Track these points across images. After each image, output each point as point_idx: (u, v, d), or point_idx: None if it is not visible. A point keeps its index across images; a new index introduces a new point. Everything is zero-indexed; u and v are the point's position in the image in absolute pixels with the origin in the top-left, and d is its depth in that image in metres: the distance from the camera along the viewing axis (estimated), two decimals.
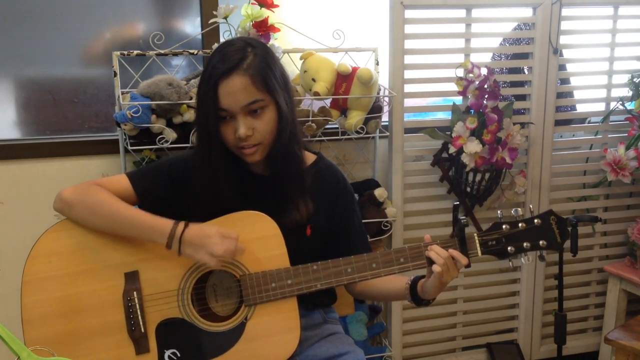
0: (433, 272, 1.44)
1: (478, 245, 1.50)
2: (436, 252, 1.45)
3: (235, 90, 1.43)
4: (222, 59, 1.45)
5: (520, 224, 1.50)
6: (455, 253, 1.46)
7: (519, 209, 1.53)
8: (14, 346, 1.04)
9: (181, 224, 1.44)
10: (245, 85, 1.43)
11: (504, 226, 1.50)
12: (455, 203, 1.52)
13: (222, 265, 1.46)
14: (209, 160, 1.51)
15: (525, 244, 1.50)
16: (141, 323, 1.45)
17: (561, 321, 2.23)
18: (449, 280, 1.46)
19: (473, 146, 2.23)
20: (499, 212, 1.52)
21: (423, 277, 1.53)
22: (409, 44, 2.34)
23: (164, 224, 1.45)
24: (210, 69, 1.46)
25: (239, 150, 1.50)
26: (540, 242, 1.50)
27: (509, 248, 1.50)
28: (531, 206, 1.56)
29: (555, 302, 2.32)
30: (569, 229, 2.06)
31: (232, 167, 1.53)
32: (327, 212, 1.63)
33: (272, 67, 1.48)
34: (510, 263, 1.54)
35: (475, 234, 1.51)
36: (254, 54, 1.46)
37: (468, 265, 1.48)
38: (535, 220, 1.51)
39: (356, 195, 2.24)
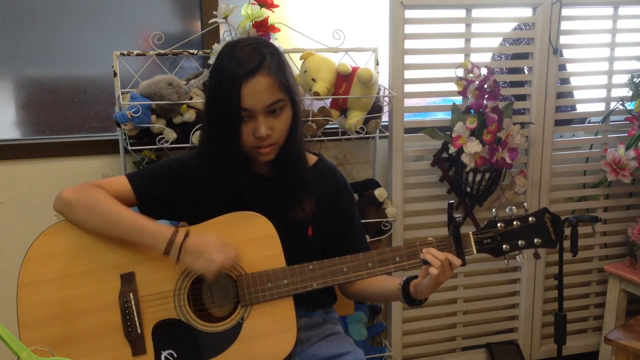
0: (429, 274, 1.44)
1: (473, 243, 1.51)
2: (433, 255, 1.46)
3: (260, 90, 1.42)
4: (242, 60, 1.43)
5: (514, 222, 1.51)
6: (450, 256, 1.46)
7: (514, 207, 1.54)
8: (14, 346, 1.04)
9: (182, 231, 1.44)
10: (269, 85, 1.43)
11: (498, 224, 1.51)
12: (450, 202, 1.52)
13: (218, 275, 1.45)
14: (217, 160, 1.50)
15: (520, 242, 1.50)
16: (137, 324, 1.45)
17: (561, 321, 2.23)
18: (444, 281, 1.47)
19: (473, 146, 2.23)
20: (493, 210, 1.53)
21: (415, 277, 1.53)
22: (409, 44, 2.34)
23: (164, 230, 1.44)
24: (230, 70, 1.43)
25: (255, 150, 1.49)
26: (535, 240, 1.51)
27: (504, 246, 1.50)
28: (526, 204, 1.56)
29: (555, 302, 2.32)
30: (569, 228, 2.09)
31: (241, 168, 1.53)
32: (328, 213, 1.64)
33: (286, 67, 1.49)
34: (506, 262, 1.55)
35: (470, 233, 1.51)
36: (270, 54, 1.45)
37: (463, 264, 1.48)
38: (530, 218, 1.51)
39: (356, 196, 2.25)
